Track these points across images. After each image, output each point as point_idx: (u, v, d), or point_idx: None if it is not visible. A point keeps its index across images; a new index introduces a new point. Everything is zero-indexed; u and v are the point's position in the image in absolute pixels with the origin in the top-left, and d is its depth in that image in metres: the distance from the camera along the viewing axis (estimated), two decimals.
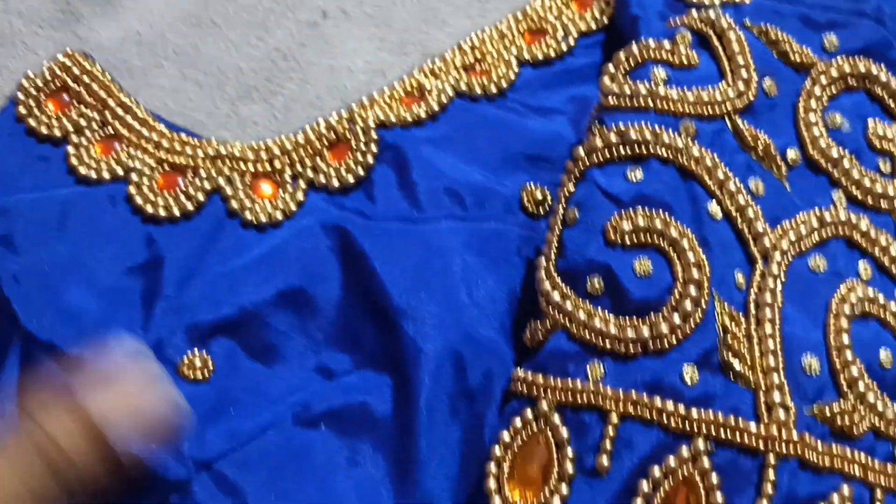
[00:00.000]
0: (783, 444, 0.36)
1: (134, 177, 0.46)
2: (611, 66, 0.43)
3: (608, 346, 0.38)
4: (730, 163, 0.41)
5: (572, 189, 0.40)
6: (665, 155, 0.40)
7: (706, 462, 0.36)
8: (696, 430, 0.36)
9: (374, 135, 0.46)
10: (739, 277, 0.39)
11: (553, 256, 0.40)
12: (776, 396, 0.37)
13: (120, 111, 0.47)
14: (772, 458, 0.36)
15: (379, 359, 0.42)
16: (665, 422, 0.36)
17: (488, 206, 0.45)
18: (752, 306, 0.38)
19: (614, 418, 0.37)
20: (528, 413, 0.38)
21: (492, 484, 0.38)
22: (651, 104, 0.41)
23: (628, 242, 0.39)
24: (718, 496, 0.36)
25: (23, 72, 0.48)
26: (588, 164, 0.40)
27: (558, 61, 0.50)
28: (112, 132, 0.47)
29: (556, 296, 0.39)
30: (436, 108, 0.47)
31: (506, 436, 0.38)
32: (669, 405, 0.36)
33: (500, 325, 0.42)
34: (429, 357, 0.40)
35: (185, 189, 0.45)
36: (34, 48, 0.52)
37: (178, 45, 0.52)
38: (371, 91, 0.49)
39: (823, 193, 0.43)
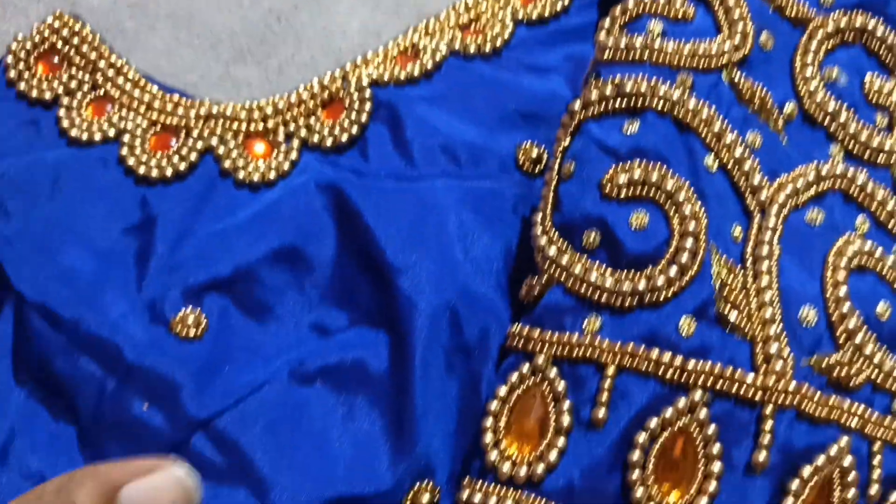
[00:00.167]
0: (781, 395, 0.36)
1: (126, 138, 0.45)
2: (606, 20, 0.42)
3: (604, 299, 0.37)
4: (727, 116, 0.40)
5: (568, 143, 0.40)
6: (661, 107, 0.39)
7: (703, 413, 0.36)
8: (692, 381, 0.36)
9: (367, 93, 0.46)
10: (736, 230, 0.39)
11: (549, 211, 0.40)
12: (773, 347, 0.37)
13: (111, 73, 0.47)
14: (769, 409, 0.36)
15: (374, 316, 0.42)
16: (662, 374, 0.36)
17: (483, 164, 0.44)
18: (749, 259, 0.38)
19: (611, 371, 0.36)
20: (525, 367, 0.38)
21: (488, 438, 0.37)
22: (647, 57, 0.41)
23: (624, 195, 0.38)
24: (716, 447, 0.36)
25: (12, 34, 0.48)
26: (584, 117, 0.40)
27: (554, 20, 0.49)
28: (103, 94, 0.47)
29: (552, 250, 0.39)
30: (430, 66, 0.47)
31: (502, 390, 0.38)
32: (666, 357, 0.36)
33: (496, 282, 0.42)
34: (424, 313, 0.40)
35: (178, 149, 0.45)
36: (25, 10, 0.51)
37: (170, 8, 0.52)
38: (365, 52, 0.48)
39: (821, 147, 0.42)
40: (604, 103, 0.40)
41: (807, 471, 0.35)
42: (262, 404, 0.40)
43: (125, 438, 0.39)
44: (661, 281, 0.37)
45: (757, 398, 0.36)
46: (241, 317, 0.42)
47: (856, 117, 0.43)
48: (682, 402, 0.36)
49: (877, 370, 0.37)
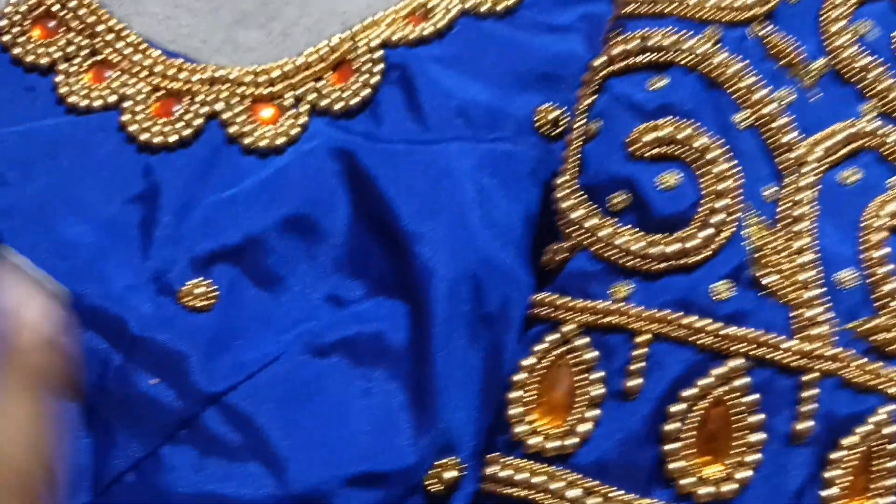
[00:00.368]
0: (822, 361, 0.34)
1: (127, 104, 0.43)
2: None
3: (633, 264, 0.36)
4: (756, 71, 0.38)
5: (591, 101, 0.38)
6: (689, 62, 0.38)
7: (742, 381, 0.34)
8: (730, 348, 0.34)
9: (378, 55, 0.44)
10: (769, 190, 0.37)
11: (572, 173, 0.38)
12: (813, 311, 0.35)
13: (111, 37, 0.45)
14: (811, 376, 0.34)
15: (391, 285, 0.40)
16: (698, 341, 0.34)
17: (500, 126, 0.42)
18: (784, 220, 0.36)
19: (643, 338, 0.35)
20: (551, 337, 0.36)
21: (515, 411, 0.36)
22: (672, 10, 0.39)
23: (652, 155, 0.37)
24: (756, 416, 0.34)
25: None
26: (607, 73, 0.38)
27: None
28: (102, 59, 0.45)
29: (576, 214, 0.37)
30: (442, 25, 0.45)
31: (528, 361, 0.36)
32: (702, 323, 0.34)
33: (516, 249, 0.40)
34: (443, 281, 0.38)
35: (182, 115, 0.43)
36: None
37: None
38: (374, 13, 0.46)
39: (852, 104, 0.40)
40: (628, 58, 0.38)
41: (849, 440, 0.34)
42: (276, 378, 0.38)
43: (132, 414, 0.37)
44: (693, 243, 0.35)
45: (797, 365, 0.34)
46: (252, 287, 0.40)
47: (889, 73, 0.41)
48: (719, 370, 0.34)
49: None
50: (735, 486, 0.34)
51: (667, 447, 0.34)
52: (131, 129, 0.43)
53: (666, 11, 0.39)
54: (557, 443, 0.35)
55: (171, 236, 0.40)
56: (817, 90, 0.39)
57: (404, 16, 0.45)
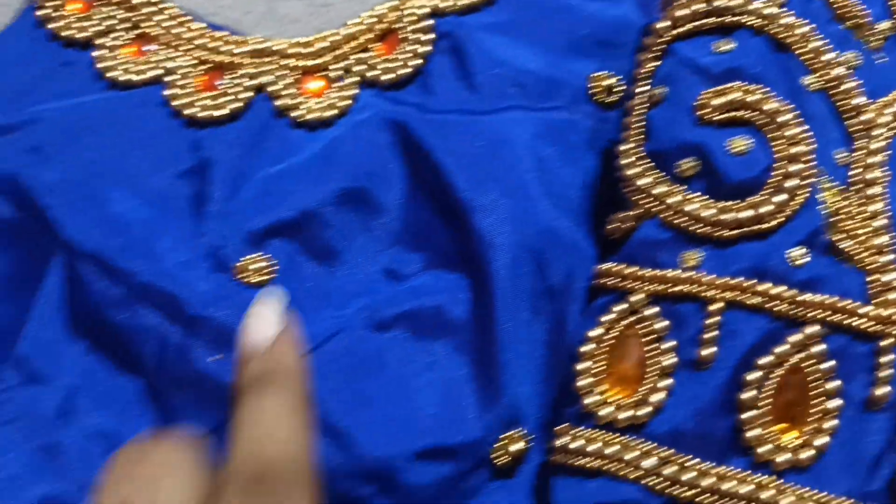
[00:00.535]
0: None
1: (171, 78, 0.42)
2: None
3: (704, 231, 0.35)
4: (822, 34, 0.37)
5: (655, 66, 0.37)
6: (756, 24, 0.37)
7: (818, 348, 0.34)
8: (806, 315, 0.34)
9: (427, 23, 0.43)
10: (840, 154, 0.36)
11: (637, 140, 0.37)
12: (889, 276, 0.34)
13: (150, 10, 0.44)
14: (887, 341, 0.34)
15: (450, 258, 0.39)
16: (773, 308, 0.34)
17: (554, 95, 0.41)
18: (856, 184, 0.36)
19: (716, 307, 0.34)
20: (619, 307, 0.36)
21: (585, 382, 0.35)
22: None
23: (722, 119, 0.36)
24: (833, 384, 0.33)
25: None
26: (671, 37, 0.37)
27: None
28: (142, 33, 0.44)
29: (644, 181, 0.36)
30: None
31: (596, 332, 0.36)
32: (777, 290, 0.34)
33: (576, 219, 0.39)
34: (504, 253, 0.37)
35: (228, 89, 0.42)
36: None
37: None
38: None
39: None
40: (693, 21, 0.37)
41: None
42: (338, 353, 0.37)
43: (192, 391, 0.36)
44: (766, 209, 0.34)
45: (874, 330, 0.34)
46: (309, 262, 0.40)
47: None
48: (795, 337, 0.34)
49: None
50: (812, 452, 0.33)
51: (743, 415, 0.33)
52: (176, 103, 0.42)
53: None
54: (630, 413, 0.34)
55: (223, 212, 0.39)
56: (882, 53, 0.39)
57: None
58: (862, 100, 0.37)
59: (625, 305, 0.35)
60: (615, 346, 0.35)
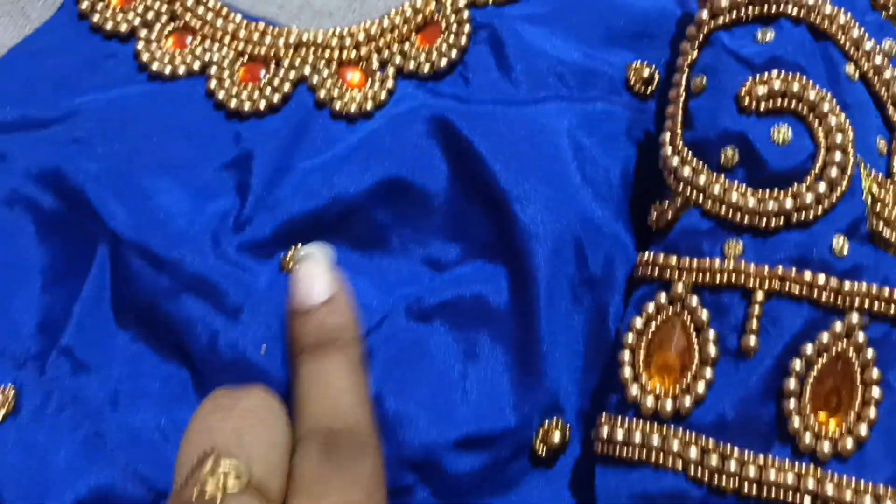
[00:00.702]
0: None
1: (213, 71, 0.43)
2: None
3: (747, 220, 0.35)
4: (861, 23, 0.37)
5: (696, 55, 0.37)
6: (796, 13, 0.37)
7: (861, 337, 0.34)
8: (849, 303, 0.34)
9: (465, 14, 0.43)
10: (880, 143, 0.36)
11: (678, 130, 0.37)
12: None
13: (190, 2, 0.44)
14: None
15: (491, 248, 0.39)
16: (816, 297, 0.34)
17: (593, 85, 0.42)
18: None
19: (759, 296, 0.34)
20: (662, 297, 0.36)
21: (627, 372, 0.35)
22: None
23: (764, 108, 0.36)
24: (874, 372, 0.33)
25: None
26: (713, 27, 0.37)
27: None
28: (183, 25, 0.44)
29: (686, 170, 0.36)
30: None
31: (638, 322, 0.36)
32: (820, 279, 0.34)
33: (617, 208, 0.39)
34: (545, 242, 0.38)
35: (270, 80, 0.42)
36: None
37: None
38: None
39: None
40: (735, 10, 0.37)
41: None
42: (381, 341, 0.37)
43: (241, 381, 0.37)
44: (809, 198, 0.35)
45: None
46: (351, 252, 0.40)
47: None
48: (838, 326, 0.34)
49: None
50: (854, 441, 0.33)
51: (786, 404, 0.33)
52: (220, 95, 0.42)
53: None
54: (673, 403, 0.34)
55: (265, 204, 0.40)
56: None
57: None
58: None
59: (667, 295, 0.35)
60: (657, 335, 0.35)
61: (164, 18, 0.44)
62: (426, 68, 0.42)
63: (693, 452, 0.34)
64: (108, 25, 0.44)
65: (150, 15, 0.44)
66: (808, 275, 0.34)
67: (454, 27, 0.43)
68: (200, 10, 0.44)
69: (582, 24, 0.43)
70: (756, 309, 0.34)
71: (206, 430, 0.31)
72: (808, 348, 0.34)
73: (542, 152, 0.39)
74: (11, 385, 0.38)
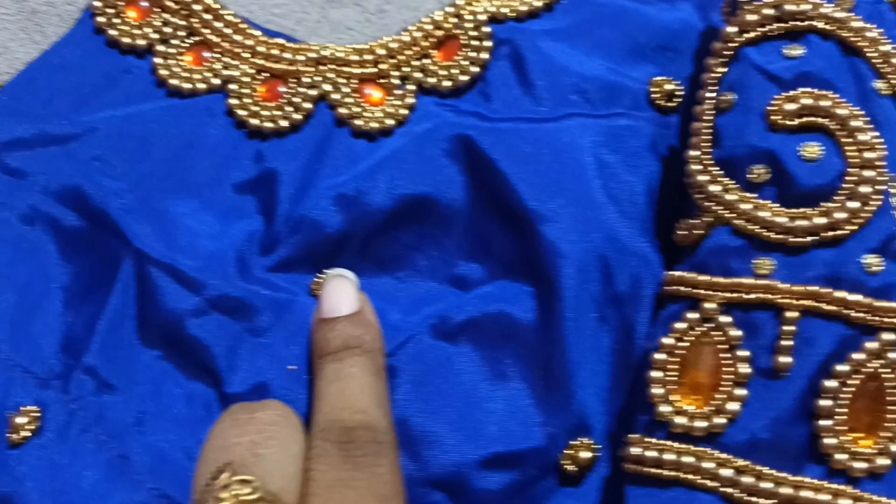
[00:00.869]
0: None
1: (233, 87, 0.42)
2: None
3: (777, 238, 0.35)
4: (891, 37, 0.37)
5: (723, 71, 0.37)
6: (825, 28, 0.36)
7: (893, 355, 0.33)
8: (882, 322, 0.34)
9: (486, 30, 0.43)
10: None
11: (705, 147, 0.37)
12: None
13: (208, 17, 0.44)
14: None
15: (515, 267, 0.39)
16: (849, 315, 0.34)
17: (616, 101, 0.41)
18: None
19: (791, 314, 0.34)
20: (692, 315, 0.35)
21: (657, 392, 0.35)
22: None
23: (794, 125, 0.36)
24: None
25: None
26: (741, 42, 0.37)
27: None
28: (201, 40, 0.44)
29: (715, 188, 0.36)
30: None
31: (668, 341, 0.36)
32: (853, 297, 0.34)
33: (642, 225, 0.39)
34: (571, 260, 0.37)
35: (290, 98, 0.42)
36: None
37: None
38: None
39: None
40: (762, 26, 0.37)
41: None
42: (408, 361, 0.37)
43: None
44: (840, 216, 0.34)
45: None
46: (375, 271, 0.40)
47: None
48: (872, 344, 0.34)
49: None
50: (889, 460, 0.33)
51: (820, 423, 0.33)
52: (241, 113, 0.42)
53: None
54: (705, 423, 0.34)
55: (290, 224, 0.39)
56: None
57: None
58: None
59: (697, 314, 0.35)
60: (687, 354, 0.35)
61: (182, 34, 0.44)
62: (447, 84, 0.42)
63: (727, 472, 0.33)
64: (126, 40, 0.44)
65: (168, 30, 0.44)
66: (841, 293, 0.34)
67: (475, 43, 0.42)
68: (219, 24, 0.44)
69: (603, 39, 0.42)
70: (789, 328, 0.34)
71: (223, 445, 0.31)
72: (843, 367, 0.33)
73: (566, 170, 0.39)
74: (35, 405, 0.37)
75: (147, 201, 0.40)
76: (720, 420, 0.34)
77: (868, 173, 0.35)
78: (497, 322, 0.38)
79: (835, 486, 0.33)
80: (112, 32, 0.44)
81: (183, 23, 0.44)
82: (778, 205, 0.35)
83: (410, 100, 0.42)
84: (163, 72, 0.43)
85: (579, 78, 0.41)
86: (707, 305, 0.35)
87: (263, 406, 0.33)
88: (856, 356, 0.33)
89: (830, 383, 0.33)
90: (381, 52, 0.43)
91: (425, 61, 0.43)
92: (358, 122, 0.41)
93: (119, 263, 0.39)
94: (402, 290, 0.39)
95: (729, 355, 0.34)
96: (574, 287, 0.37)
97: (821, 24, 0.36)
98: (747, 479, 0.33)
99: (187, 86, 0.43)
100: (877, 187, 0.35)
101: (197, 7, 0.44)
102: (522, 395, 0.37)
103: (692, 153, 0.37)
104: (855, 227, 0.34)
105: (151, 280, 0.38)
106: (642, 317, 0.38)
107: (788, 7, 0.37)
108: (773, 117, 0.36)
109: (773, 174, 0.35)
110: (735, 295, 0.35)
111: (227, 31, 0.44)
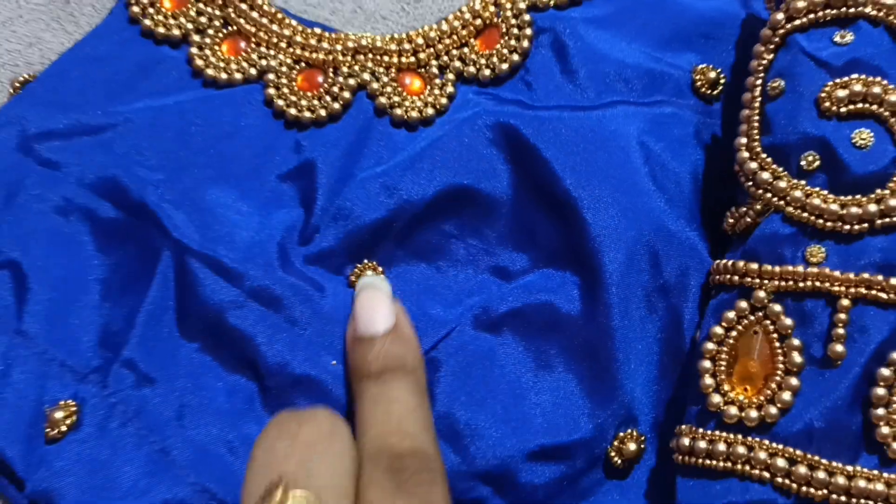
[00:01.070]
0: None
1: (271, 77, 0.42)
2: None
3: (830, 226, 0.34)
4: None
5: (772, 58, 0.37)
6: (875, 14, 0.36)
7: None
8: None
9: (526, 18, 0.42)
10: None
11: (755, 134, 0.36)
12: None
13: (244, 6, 0.44)
14: None
15: (559, 255, 0.38)
16: None
17: (659, 88, 0.41)
18: None
19: (845, 303, 0.33)
20: (742, 304, 0.35)
21: (708, 381, 0.35)
22: None
23: (845, 112, 0.35)
24: None
25: None
26: (789, 29, 0.37)
27: None
28: (237, 30, 0.43)
29: (765, 175, 0.36)
30: None
31: (718, 330, 0.35)
32: None
33: (689, 214, 0.39)
34: (617, 249, 0.37)
35: (329, 88, 0.42)
36: None
37: None
38: None
39: None
40: (811, 13, 0.36)
41: None
42: (450, 352, 0.37)
43: (311, 394, 0.36)
44: (893, 203, 0.34)
45: None
46: (416, 262, 0.39)
47: None
48: None
49: None
50: None
51: (876, 412, 0.33)
52: (279, 103, 0.41)
53: None
54: (757, 412, 0.34)
55: (330, 215, 0.39)
56: None
57: None
58: None
59: (748, 302, 0.35)
60: (738, 343, 0.35)
61: (217, 23, 0.43)
62: (486, 73, 0.42)
63: (781, 462, 0.33)
64: (160, 30, 0.43)
65: (203, 20, 0.43)
66: (894, 280, 0.33)
67: (515, 31, 0.42)
68: (255, 14, 0.43)
69: (645, 27, 0.42)
70: (842, 316, 0.33)
71: (273, 458, 0.30)
72: None
73: (612, 159, 0.38)
74: (73, 399, 0.37)
75: (185, 192, 0.39)
76: (772, 410, 0.33)
77: None
78: (541, 312, 0.38)
79: (889, 475, 0.33)
80: (146, 22, 0.44)
81: (218, 13, 0.44)
82: (829, 192, 0.35)
83: (450, 89, 0.42)
84: (199, 62, 0.43)
85: (622, 65, 0.41)
86: (758, 294, 0.35)
87: (312, 416, 0.31)
88: None
89: (885, 371, 0.33)
90: (420, 41, 0.42)
91: (464, 50, 0.42)
92: (398, 112, 0.41)
93: (158, 255, 0.38)
94: (443, 281, 0.39)
95: (780, 344, 0.34)
96: (620, 276, 0.37)
97: (870, 11, 0.36)
98: (801, 469, 0.33)
99: (224, 76, 0.42)
100: None
101: None
102: (568, 385, 0.37)
103: (741, 140, 0.37)
104: None
105: (191, 271, 0.38)
106: (690, 306, 0.37)
107: None
108: (824, 104, 0.35)
109: (824, 161, 0.35)
110: (787, 283, 0.34)
111: (264, 20, 0.43)
